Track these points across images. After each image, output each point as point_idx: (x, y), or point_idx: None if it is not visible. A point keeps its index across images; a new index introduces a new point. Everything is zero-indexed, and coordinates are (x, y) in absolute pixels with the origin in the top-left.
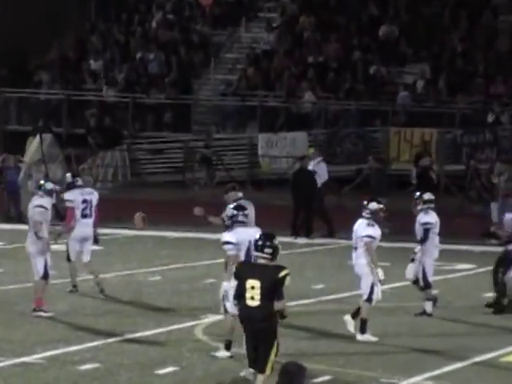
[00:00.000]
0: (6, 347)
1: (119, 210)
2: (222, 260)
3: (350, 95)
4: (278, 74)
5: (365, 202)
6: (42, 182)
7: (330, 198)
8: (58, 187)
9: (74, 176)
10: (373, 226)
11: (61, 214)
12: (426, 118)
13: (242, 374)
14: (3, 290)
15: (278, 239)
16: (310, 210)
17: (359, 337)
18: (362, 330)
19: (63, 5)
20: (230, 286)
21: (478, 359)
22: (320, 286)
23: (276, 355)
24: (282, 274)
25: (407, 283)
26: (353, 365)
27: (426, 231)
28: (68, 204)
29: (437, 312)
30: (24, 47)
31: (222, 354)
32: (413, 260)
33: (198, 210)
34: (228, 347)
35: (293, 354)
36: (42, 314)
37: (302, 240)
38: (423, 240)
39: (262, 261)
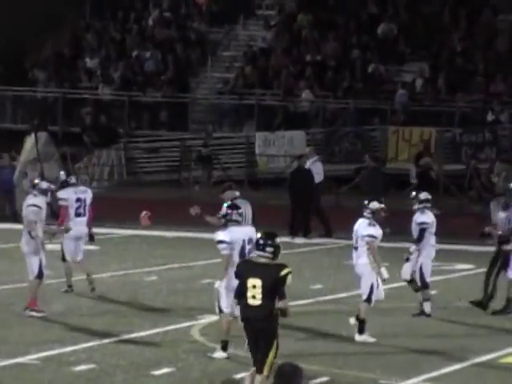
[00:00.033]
0: (1, 348)
1: (115, 209)
2: (219, 260)
3: (349, 94)
4: (275, 72)
5: (366, 202)
6: (36, 181)
7: (328, 198)
8: (53, 186)
9: (67, 174)
10: (374, 225)
11: (56, 213)
12: (424, 117)
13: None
14: None
15: None
16: (307, 210)
17: (357, 337)
18: (360, 330)
19: (59, 2)
20: (221, 284)
21: (476, 360)
22: (318, 287)
23: (275, 356)
24: (284, 272)
25: (405, 284)
26: (351, 366)
27: (422, 231)
28: (62, 203)
29: (436, 313)
30: (19, 45)
31: (219, 354)
32: (407, 259)
33: (193, 210)
34: (224, 348)
35: (290, 354)
36: (34, 314)
37: (299, 240)
38: (419, 240)
39: (263, 260)
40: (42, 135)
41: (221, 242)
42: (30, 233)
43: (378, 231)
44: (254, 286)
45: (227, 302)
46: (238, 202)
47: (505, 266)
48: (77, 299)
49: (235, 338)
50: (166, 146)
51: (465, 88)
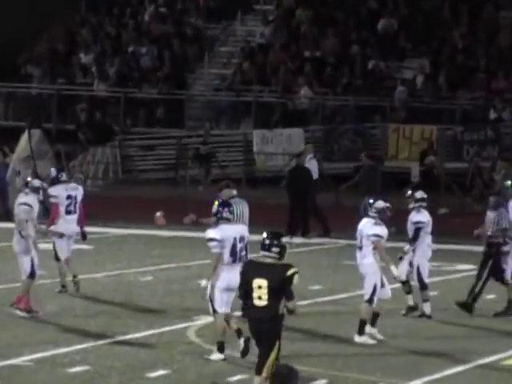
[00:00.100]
0: None
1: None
2: None
3: (348, 90)
4: (273, 68)
5: (371, 201)
6: (29, 179)
7: (327, 196)
8: (45, 184)
9: (58, 171)
10: (380, 224)
11: (49, 211)
12: (425, 115)
13: None
14: None
15: None
16: (306, 209)
17: (357, 338)
18: (360, 331)
19: None
20: (208, 283)
21: (478, 362)
22: (317, 287)
23: (276, 358)
24: (290, 272)
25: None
26: (350, 368)
27: (418, 230)
28: (52, 200)
29: (436, 314)
30: (13, 40)
31: (216, 356)
32: (401, 258)
33: (188, 218)
34: (221, 349)
35: (288, 356)
36: (18, 312)
37: (298, 239)
38: (414, 239)
39: (269, 260)
40: (36, 132)
41: (211, 239)
42: (20, 232)
43: (383, 230)
44: (260, 287)
45: (220, 302)
46: (235, 200)
47: (494, 270)
48: (71, 300)
49: (232, 337)
50: (162, 144)
51: (466, 85)
